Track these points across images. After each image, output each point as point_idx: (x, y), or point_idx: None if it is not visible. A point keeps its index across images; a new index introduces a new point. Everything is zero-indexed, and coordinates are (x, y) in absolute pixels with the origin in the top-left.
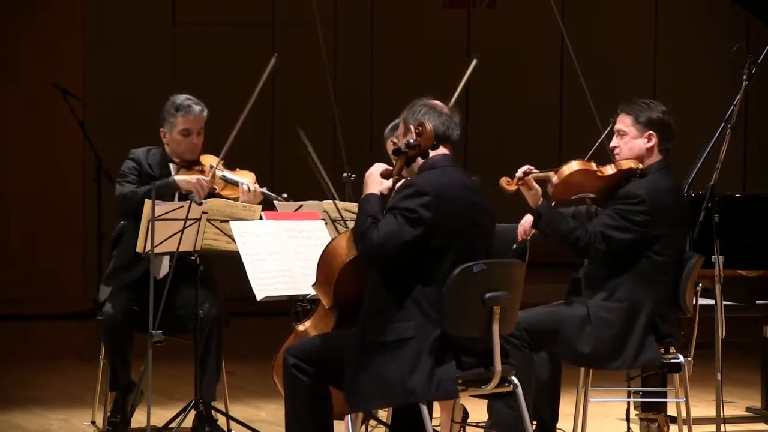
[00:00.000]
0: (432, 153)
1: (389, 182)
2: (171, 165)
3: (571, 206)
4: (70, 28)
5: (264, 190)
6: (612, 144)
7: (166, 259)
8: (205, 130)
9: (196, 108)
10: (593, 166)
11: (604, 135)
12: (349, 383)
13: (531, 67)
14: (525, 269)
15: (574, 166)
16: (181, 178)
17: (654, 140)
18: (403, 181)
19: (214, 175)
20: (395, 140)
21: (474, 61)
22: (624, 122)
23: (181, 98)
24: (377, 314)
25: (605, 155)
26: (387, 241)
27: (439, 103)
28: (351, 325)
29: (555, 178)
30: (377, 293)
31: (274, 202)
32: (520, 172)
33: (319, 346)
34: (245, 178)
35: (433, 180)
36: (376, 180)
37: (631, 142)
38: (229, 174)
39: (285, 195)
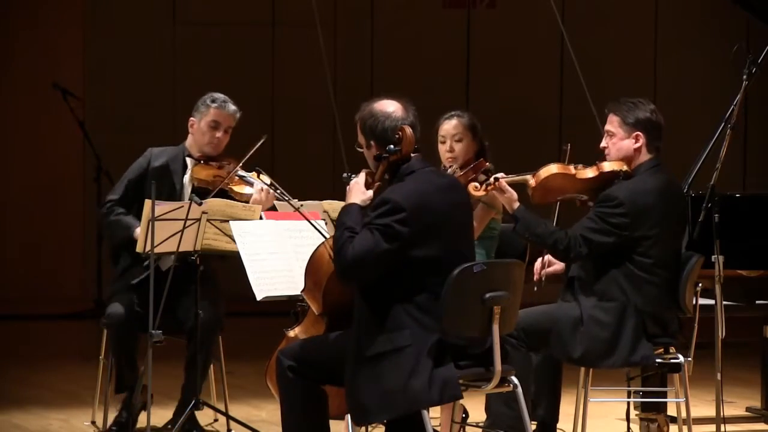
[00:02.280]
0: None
1: (371, 193)
2: (188, 159)
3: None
4: (69, 27)
5: (278, 193)
6: (602, 144)
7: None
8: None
9: (231, 106)
10: (572, 169)
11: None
12: (351, 399)
13: (531, 67)
14: (525, 269)
15: (552, 169)
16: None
17: (641, 140)
18: (376, 193)
19: (230, 175)
20: None
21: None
22: (612, 123)
23: (220, 95)
24: (370, 327)
25: (594, 156)
26: (364, 256)
27: (394, 104)
28: (342, 330)
29: (532, 182)
30: (366, 306)
31: (275, 202)
32: (491, 178)
33: (313, 347)
34: (261, 182)
35: (409, 191)
36: (360, 190)
37: (619, 143)
38: (246, 174)
39: (296, 200)
